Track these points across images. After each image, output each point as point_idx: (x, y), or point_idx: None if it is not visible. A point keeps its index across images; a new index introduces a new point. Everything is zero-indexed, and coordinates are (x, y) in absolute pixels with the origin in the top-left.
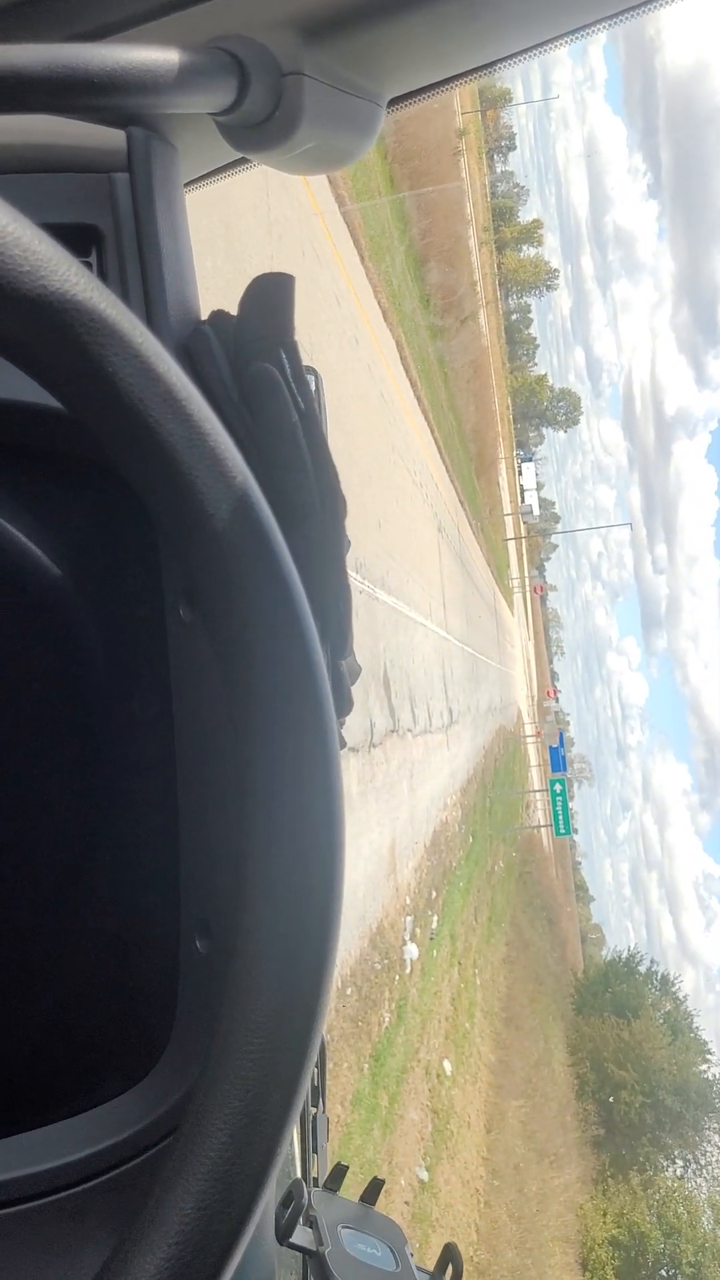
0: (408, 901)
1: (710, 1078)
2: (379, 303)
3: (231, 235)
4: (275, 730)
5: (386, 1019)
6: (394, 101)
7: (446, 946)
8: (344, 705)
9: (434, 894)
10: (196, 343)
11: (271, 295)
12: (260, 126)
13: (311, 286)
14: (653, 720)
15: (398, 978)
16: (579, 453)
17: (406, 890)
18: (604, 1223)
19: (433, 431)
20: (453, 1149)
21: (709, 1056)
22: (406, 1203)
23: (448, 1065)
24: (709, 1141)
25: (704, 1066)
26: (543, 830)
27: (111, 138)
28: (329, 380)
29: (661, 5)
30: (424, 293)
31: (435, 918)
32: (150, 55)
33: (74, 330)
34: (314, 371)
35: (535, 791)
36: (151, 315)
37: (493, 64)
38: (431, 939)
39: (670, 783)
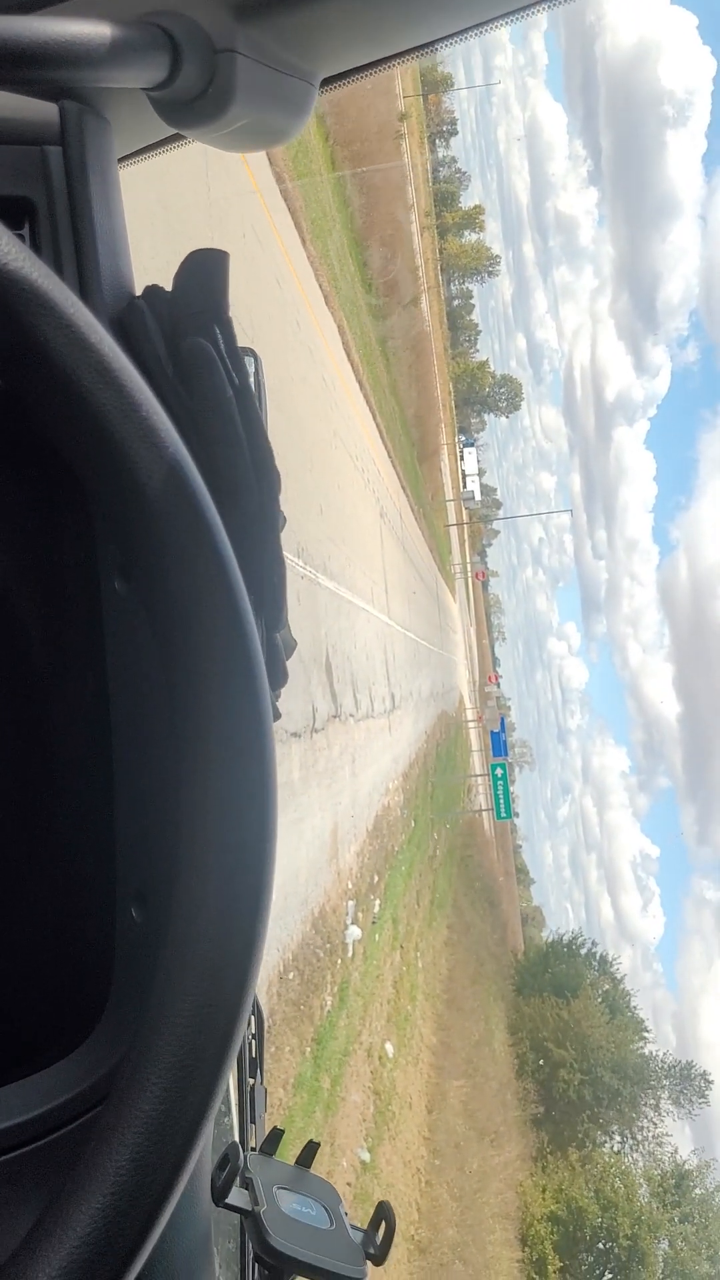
0: (350, 886)
1: (646, 1054)
2: (320, 286)
3: (170, 216)
4: (209, 701)
5: (329, 1002)
6: (328, 81)
7: (388, 930)
8: (279, 677)
9: (376, 878)
10: (131, 317)
11: (206, 271)
12: (193, 103)
13: (252, 268)
14: (593, 704)
15: (340, 961)
16: (520, 439)
17: (349, 875)
18: (543, 1199)
19: (375, 416)
20: (394, 1130)
21: (646, 1034)
22: (349, 1184)
23: (389, 1047)
24: (645, 1117)
25: (641, 1044)
26: (484, 814)
27: (44, 110)
28: (270, 363)
29: None
30: (366, 277)
31: (377, 902)
32: (82, 28)
33: (5, 300)
34: (253, 353)
35: (477, 776)
36: (85, 289)
37: (427, 45)
38: (374, 923)
39: (609, 765)
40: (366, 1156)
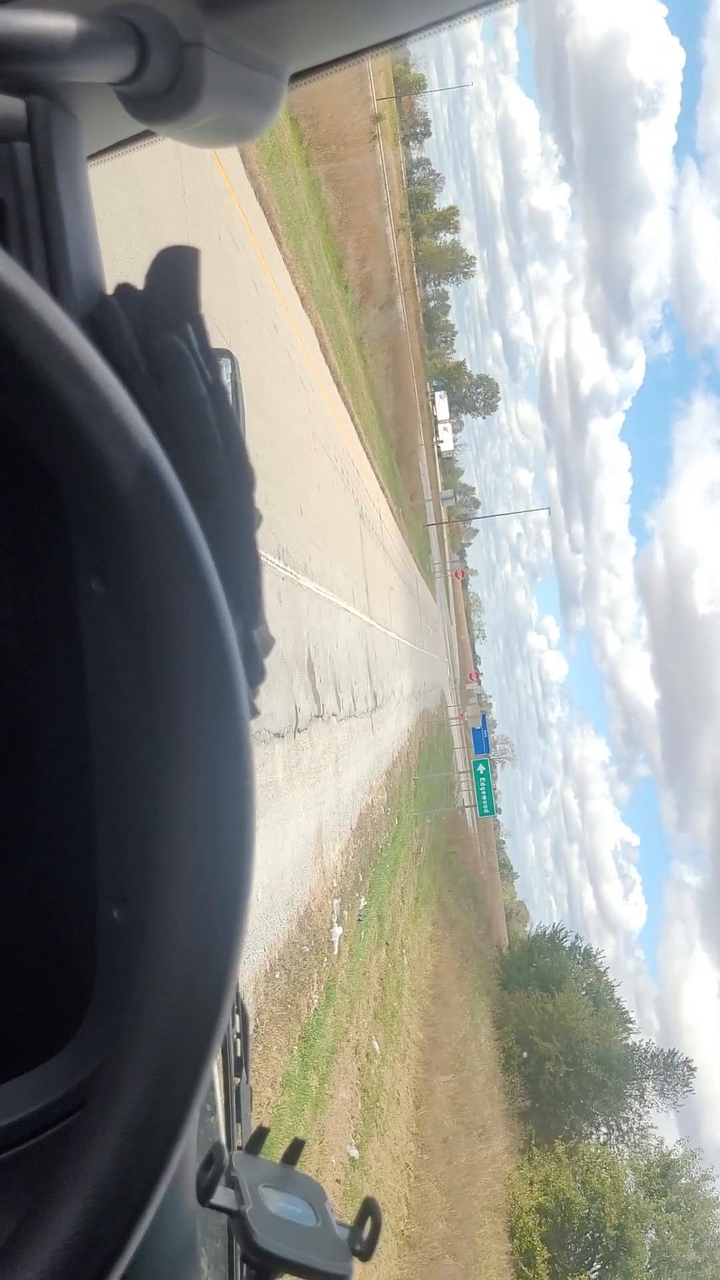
0: (335, 884)
1: (631, 1044)
2: (297, 288)
3: (145, 218)
4: (186, 700)
5: (315, 1000)
6: (297, 76)
7: (374, 927)
8: (256, 675)
9: (361, 876)
10: (103, 315)
11: (177, 268)
12: (161, 98)
13: (229, 270)
14: (572, 696)
15: (326, 960)
16: (497, 436)
17: (334, 873)
18: (530, 1191)
19: (353, 418)
20: (382, 1126)
21: (630, 1025)
22: (338, 1180)
23: (376, 1044)
24: (630, 1108)
25: (625, 1035)
26: (467, 811)
27: (10, 106)
28: (248, 366)
29: None
30: (342, 279)
31: (363, 899)
32: (46, 22)
33: None
34: (230, 354)
35: (459, 773)
36: (56, 287)
37: (396, 39)
38: (359, 920)
39: (590, 756)
40: (355, 1153)
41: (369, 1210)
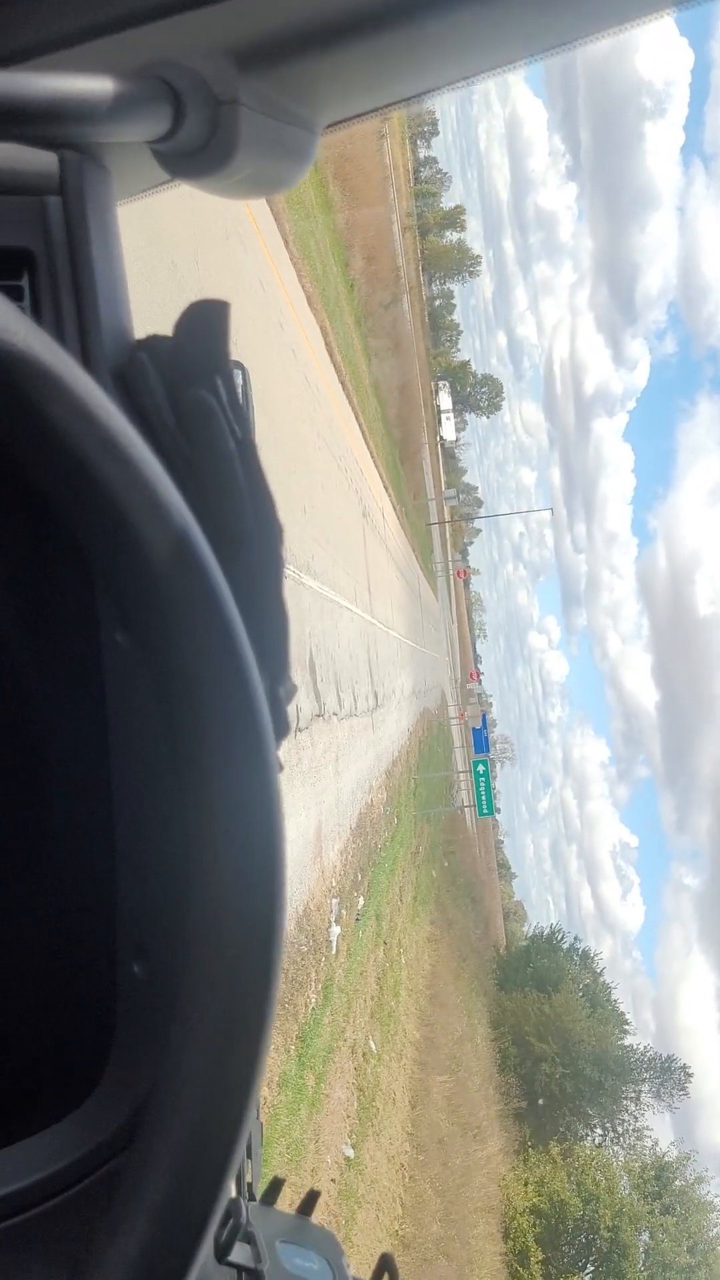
0: (333, 884)
1: (627, 1046)
2: (303, 287)
3: (151, 218)
4: (214, 760)
5: (313, 1000)
6: (329, 126)
7: (372, 927)
8: (281, 728)
9: (360, 875)
10: (132, 370)
11: (207, 321)
12: (195, 154)
13: (236, 270)
14: (573, 696)
15: (324, 959)
16: (501, 435)
17: (333, 873)
18: (525, 1192)
19: (357, 416)
20: (378, 1126)
21: (627, 1027)
22: (333, 1180)
23: (373, 1044)
24: (625, 1110)
25: (621, 1037)
26: (466, 810)
27: (43, 160)
28: (254, 365)
29: (601, 37)
30: (348, 277)
31: (361, 899)
32: (85, 84)
33: (13, 378)
34: (241, 366)
35: (459, 773)
36: (86, 340)
37: (430, 91)
38: (357, 920)
39: (590, 756)
40: (351, 1153)
41: (385, 1266)
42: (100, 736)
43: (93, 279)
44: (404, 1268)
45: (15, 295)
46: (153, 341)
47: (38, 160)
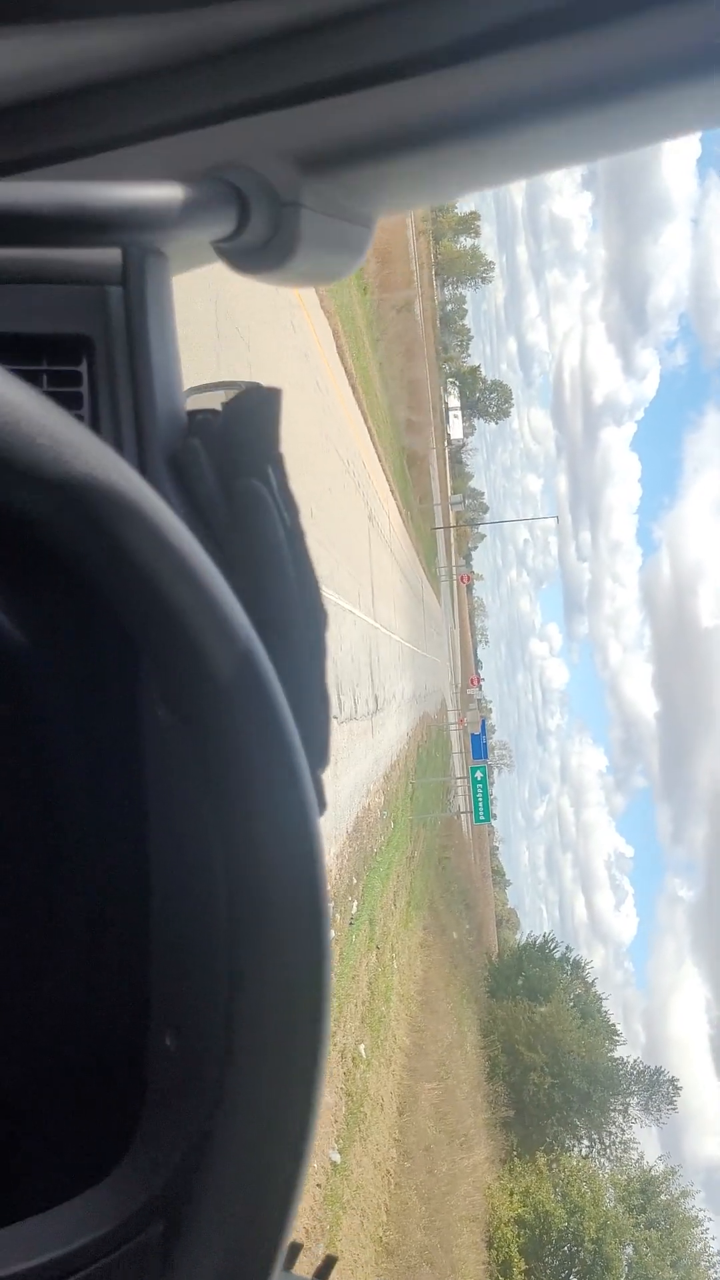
0: (329, 888)
1: (617, 1058)
2: (316, 290)
3: None
4: (266, 852)
5: None
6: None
7: (365, 931)
8: (320, 809)
9: (355, 879)
10: (186, 457)
11: (259, 409)
12: (256, 252)
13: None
14: (572, 704)
15: None
16: (509, 441)
17: (328, 877)
18: (510, 1202)
19: (366, 420)
20: (365, 1131)
21: (617, 1038)
22: (319, 1185)
23: (363, 1049)
24: (613, 1122)
25: (611, 1048)
26: (463, 816)
27: (107, 253)
28: (265, 369)
29: (652, 143)
30: (361, 280)
31: (355, 903)
32: (155, 192)
33: (90, 503)
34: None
35: (456, 778)
36: (141, 426)
37: (489, 188)
38: (351, 924)
39: (588, 765)
40: (337, 1158)
41: (329, 1265)
42: (138, 804)
43: (149, 366)
44: (387, 1275)
45: (73, 380)
46: (204, 423)
47: (101, 253)
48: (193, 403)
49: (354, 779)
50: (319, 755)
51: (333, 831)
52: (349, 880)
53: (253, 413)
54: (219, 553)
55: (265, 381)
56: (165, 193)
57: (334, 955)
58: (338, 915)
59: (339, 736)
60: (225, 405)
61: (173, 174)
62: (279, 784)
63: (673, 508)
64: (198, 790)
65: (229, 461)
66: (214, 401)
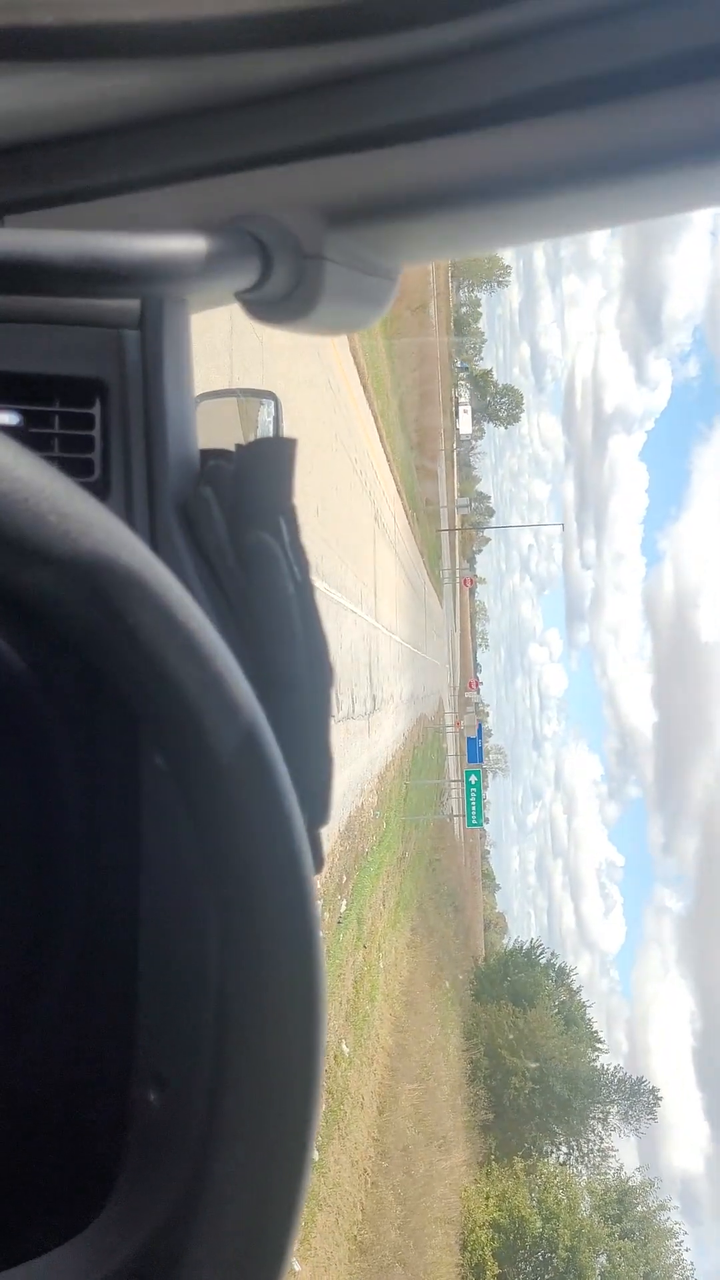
0: (319, 886)
1: (599, 1066)
2: None
3: None
4: (257, 901)
5: None
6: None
7: (353, 930)
8: (318, 866)
9: (345, 878)
10: (196, 506)
11: (273, 460)
12: (277, 304)
13: None
14: (570, 711)
15: None
16: (517, 446)
17: (319, 875)
18: (486, 1206)
19: (377, 421)
20: (344, 1129)
21: (599, 1046)
22: None
23: (346, 1047)
24: (592, 1130)
25: (594, 1056)
26: (455, 819)
27: (126, 302)
28: (278, 367)
29: (678, 213)
30: None
31: (344, 902)
32: (176, 245)
33: (98, 582)
34: (274, 397)
35: (450, 781)
36: (153, 473)
37: (512, 246)
38: (339, 923)
39: (582, 772)
40: (315, 1155)
41: None
42: (131, 851)
43: (163, 412)
44: (360, 1274)
45: (85, 423)
46: (217, 471)
47: (121, 302)
48: (204, 411)
49: (348, 779)
50: (320, 813)
51: (326, 831)
52: (340, 879)
53: (266, 462)
54: (227, 605)
55: (278, 384)
56: (187, 245)
57: (327, 1019)
58: (326, 914)
59: (335, 735)
60: (238, 451)
61: (193, 220)
62: (276, 878)
63: (679, 519)
64: (191, 852)
65: (240, 513)
66: (226, 410)
